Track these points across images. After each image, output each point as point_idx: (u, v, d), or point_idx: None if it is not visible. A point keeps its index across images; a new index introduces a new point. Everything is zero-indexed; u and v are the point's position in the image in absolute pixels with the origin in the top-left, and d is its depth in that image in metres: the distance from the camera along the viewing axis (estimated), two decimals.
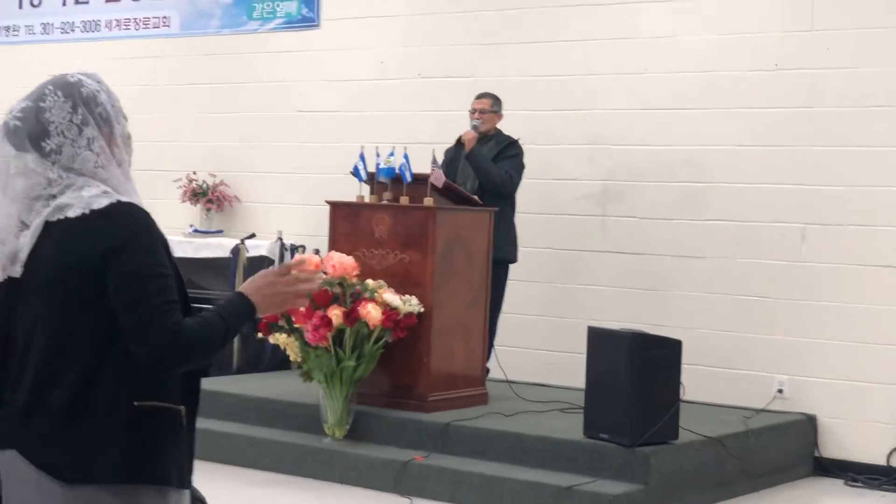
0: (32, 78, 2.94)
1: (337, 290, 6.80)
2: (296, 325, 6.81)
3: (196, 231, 9.65)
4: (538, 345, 8.39)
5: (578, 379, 6.76)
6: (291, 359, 7.03)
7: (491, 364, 7.66)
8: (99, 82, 2.75)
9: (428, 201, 7.10)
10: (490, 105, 7.88)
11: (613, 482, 6.19)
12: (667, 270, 8.03)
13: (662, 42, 8.09)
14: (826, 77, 7.58)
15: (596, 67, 8.29)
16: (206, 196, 9.64)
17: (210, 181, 9.68)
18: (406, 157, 7.14)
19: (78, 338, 2.63)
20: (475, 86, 8.25)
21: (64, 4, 10.67)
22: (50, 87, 2.70)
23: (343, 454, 6.86)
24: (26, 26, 10.89)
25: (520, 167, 7.77)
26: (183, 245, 9.16)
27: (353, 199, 7.45)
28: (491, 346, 7.67)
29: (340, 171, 8.14)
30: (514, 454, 6.59)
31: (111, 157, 2.71)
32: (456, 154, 7.78)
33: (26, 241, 2.67)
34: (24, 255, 2.67)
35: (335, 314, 6.70)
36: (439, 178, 7.11)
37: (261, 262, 8.95)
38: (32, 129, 2.67)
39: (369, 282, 6.92)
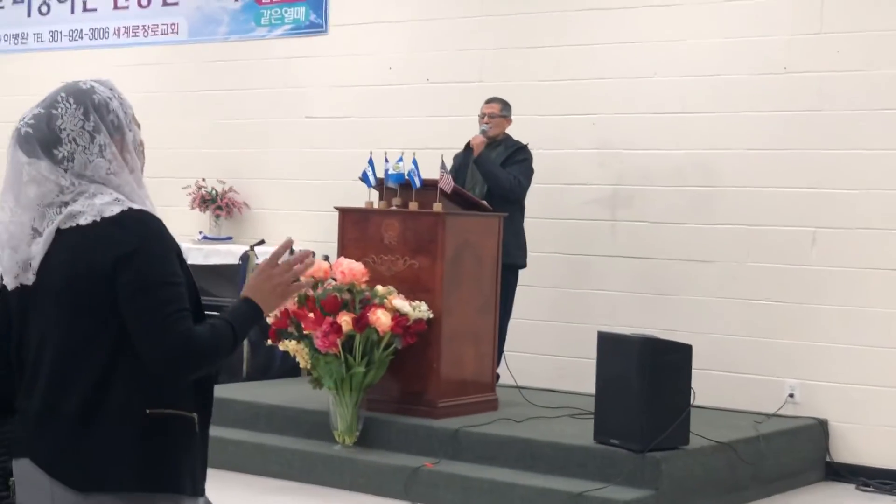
0: (42, 86, 2.94)
1: (346, 296, 6.79)
2: (305, 332, 6.80)
3: (205, 238, 9.65)
4: (548, 350, 8.38)
5: (589, 384, 6.74)
6: (301, 365, 7.02)
7: (501, 370, 7.65)
8: (111, 89, 2.74)
9: (437, 207, 7.09)
10: (499, 110, 7.87)
11: (624, 488, 6.17)
12: (677, 275, 8.02)
13: (671, 46, 8.08)
14: (835, 80, 7.56)
15: (605, 71, 8.28)
16: (216, 203, 9.65)
17: (219, 188, 9.68)
18: (415, 162, 7.13)
19: (90, 345, 2.63)
20: (484, 91, 8.25)
21: (72, 12, 10.69)
22: (62, 94, 2.69)
23: (353, 461, 6.85)
24: (35, 34, 10.91)
25: (528, 172, 7.76)
26: (192, 252, 9.17)
27: (362, 204, 7.45)
28: (501, 351, 7.66)
29: (349, 177, 8.14)
30: (524, 460, 6.58)
31: (123, 164, 2.70)
32: (465, 159, 7.77)
33: (39, 249, 2.67)
34: (36, 263, 2.67)
35: (345, 320, 6.69)
36: (448, 184, 7.10)
37: None
38: (44, 137, 2.67)
39: (379, 288, 6.91)
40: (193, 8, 10.07)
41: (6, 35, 11.05)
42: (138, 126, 2.77)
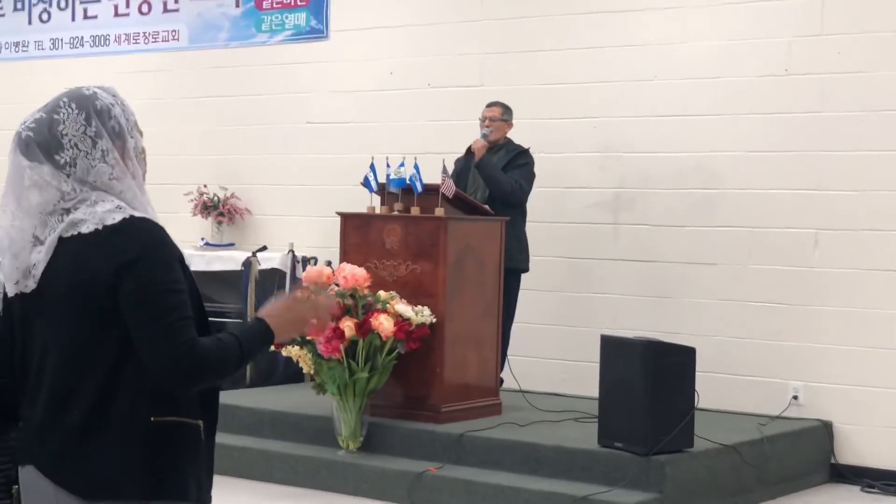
0: (43, 93, 2.94)
1: (349, 301, 6.79)
2: (308, 338, 6.80)
3: (207, 244, 9.65)
4: (551, 354, 8.37)
5: (592, 388, 6.74)
6: (304, 371, 7.03)
7: (504, 374, 7.64)
8: (114, 96, 2.74)
9: (439, 211, 7.09)
10: (500, 114, 7.87)
11: (629, 491, 6.16)
12: (679, 277, 8.01)
13: (672, 49, 8.08)
14: (836, 81, 7.56)
15: (606, 75, 8.28)
16: (218, 209, 9.65)
17: (221, 194, 9.68)
18: (416, 167, 7.13)
19: (93, 353, 2.63)
20: (485, 95, 8.25)
21: (73, 20, 10.69)
22: (64, 100, 2.69)
23: (357, 466, 6.84)
24: (36, 42, 10.91)
25: (530, 176, 7.76)
26: (194, 258, 9.15)
27: (363, 210, 7.45)
28: (504, 355, 7.65)
29: (351, 182, 8.13)
30: (528, 464, 6.57)
31: (125, 170, 2.70)
32: (466, 163, 7.77)
33: (41, 257, 2.66)
34: (38, 271, 2.66)
35: (347, 326, 6.69)
36: (450, 188, 7.10)
37: (272, 275, 8.95)
38: (45, 141, 2.66)
39: (381, 293, 6.91)
40: (194, 14, 10.07)
41: (7, 43, 11.05)
42: (141, 133, 2.76)
